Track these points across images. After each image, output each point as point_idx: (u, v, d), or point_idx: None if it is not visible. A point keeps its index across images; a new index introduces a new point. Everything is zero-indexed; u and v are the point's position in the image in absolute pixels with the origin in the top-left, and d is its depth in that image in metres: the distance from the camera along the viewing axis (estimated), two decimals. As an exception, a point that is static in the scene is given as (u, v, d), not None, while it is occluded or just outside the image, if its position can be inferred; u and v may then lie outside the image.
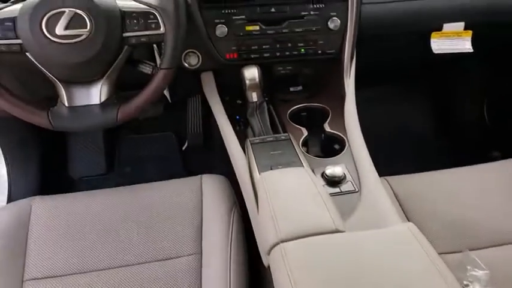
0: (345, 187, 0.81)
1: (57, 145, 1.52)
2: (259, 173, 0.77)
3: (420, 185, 0.98)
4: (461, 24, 1.08)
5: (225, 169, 1.00)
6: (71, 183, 1.50)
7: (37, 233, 0.89)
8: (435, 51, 1.10)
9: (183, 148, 1.60)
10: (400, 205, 0.91)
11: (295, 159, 0.82)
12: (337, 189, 0.80)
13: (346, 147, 0.91)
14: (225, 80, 1.09)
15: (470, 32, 1.09)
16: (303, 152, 0.89)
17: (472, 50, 1.09)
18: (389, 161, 1.08)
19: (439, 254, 0.74)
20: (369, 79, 1.59)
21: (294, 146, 0.87)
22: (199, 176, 1.01)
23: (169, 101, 1.19)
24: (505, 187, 0.96)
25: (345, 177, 0.82)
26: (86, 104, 0.79)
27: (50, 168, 1.40)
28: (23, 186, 1.33)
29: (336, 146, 0.96)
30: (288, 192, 0.68)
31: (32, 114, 0.78)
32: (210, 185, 0.97)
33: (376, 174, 0.81)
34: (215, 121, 1.03)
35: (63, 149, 1.54)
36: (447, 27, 1.08)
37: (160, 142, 1.60)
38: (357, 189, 0.80)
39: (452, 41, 1.10)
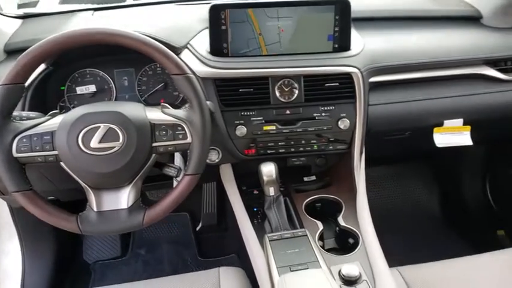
0: (360, 286, 0.83)
1: None
2: (279, 275, 0.80)
3: (432, 274, 1.00)
4: (460, 121, 1.18)
5: (238, 249, 1.01)
6: (85, 268, 1.51)
7: None
8: (438, 145, 1.18)
9: (197, 228, 1.63)
10: None
11: (313, 258, 0.85)
12: (352, 289, 0.83)
13: (360, 244, 0.95)
14: (243, 171, 1.16)
15: (469, 127, 1.19)
16: (319, 249, 0.93)
17: (471, 143, 1.18)
18: (399, 240, 1.11)
19: None
20: (373, 161, 1.67)
21: (311, 243, 0.91)
22: (217, 269, 1.03)
23: None
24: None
25: (360, 276, 0.85)
26: (114, 208, 0.83)
27: (65, 253, 1.42)
28: (37, 271, 1.34)
29: (351, 240, 0.99)
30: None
31: (61, 219, 0.81)
32: (228, 281, 0.98)
33: (389, 273, 0.84)
34: (230, 202, 1.08)
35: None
36: (448, 123, 1.18)
37: (175, 223, 1.64)
38: None
39: (453, 135, 1.18)
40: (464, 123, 1.18)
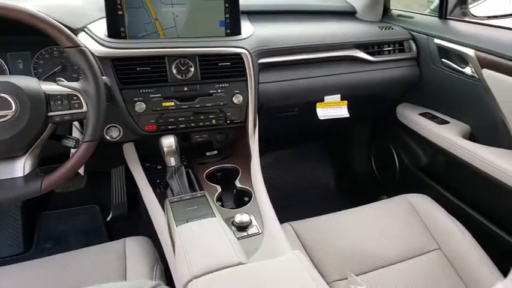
0: (251, 230, 0.95)
1: None
2: (176, 226, 0.87)
3: (318, 225, 1.15)
4: (338, 96, 1.37)
5: (149, 232, 1.07)
6: None
7: None
8: (320, 118, 1.37)
9: (108, 219, 1.62)
10: (301, 243, 1.06)
11: (209, 211, 0.94)
12: (244, 233, 0.94)
13: (252, 199, 1.07)
14: (146, 148, 1.22)
15: (345, 102, 1.39)
16: (216, 206, 1.03)
17: (348, 115, 1.38)
18: (298, 211, 1.25)
19: (332, 281, 0.90)
20: (277, 144, 1.85)
21: (208, 201, 0.99)
22: (123, 239, 1.06)
23: (82, 174, 1.23)
24: (383, 221, 1.16)
25: (250, 222, 0.96)
26: (8, 177, 0.82)
27: None
28: None
29: (246, 198, 1.10)
30: (200, 239, 0.80)
31: None
32: (133, 247, 1.03)
33: (276, 217, 0.97)
34: (139, 189, 1.12)
35: None
36: (327, 98, 1.37)
37: (84, 215, 1.61)
38: (260, 231, 0.95)
39: (332, 109, 1.37)
40: (342, 99, 1.38)
